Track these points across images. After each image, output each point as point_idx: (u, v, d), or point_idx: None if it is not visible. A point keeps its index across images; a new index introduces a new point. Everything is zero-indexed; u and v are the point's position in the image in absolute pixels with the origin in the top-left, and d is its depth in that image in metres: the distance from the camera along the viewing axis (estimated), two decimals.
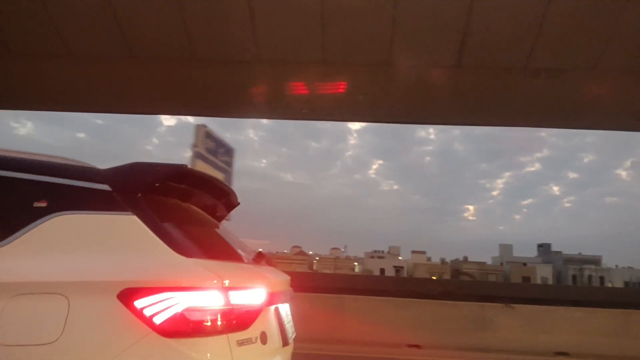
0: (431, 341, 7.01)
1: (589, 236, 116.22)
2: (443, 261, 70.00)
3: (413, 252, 69.20)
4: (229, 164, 10.06)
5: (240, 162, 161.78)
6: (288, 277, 2.49)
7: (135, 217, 1.74)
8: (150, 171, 1.96)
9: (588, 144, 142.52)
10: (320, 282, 20.70)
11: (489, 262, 67.84)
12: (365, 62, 8.58)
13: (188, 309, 1.57)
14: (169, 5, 7.74)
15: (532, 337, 7.19)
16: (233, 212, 2.89)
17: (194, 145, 9.00)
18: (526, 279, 57.95)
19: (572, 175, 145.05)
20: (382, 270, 65.87)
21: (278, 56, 8.59)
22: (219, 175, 9.45)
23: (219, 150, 10.08)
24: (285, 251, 78.35)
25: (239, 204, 2.66)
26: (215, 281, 1.64)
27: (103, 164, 1.98)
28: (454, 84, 8.83)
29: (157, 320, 1.53)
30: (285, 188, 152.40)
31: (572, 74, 8.41)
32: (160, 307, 1.56)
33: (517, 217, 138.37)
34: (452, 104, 9.50)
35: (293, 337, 2.31)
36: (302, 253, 70.07)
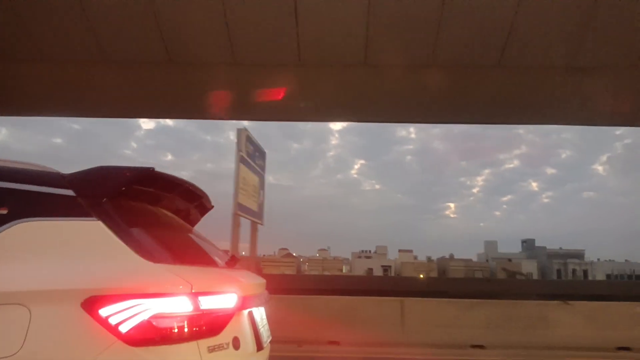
0: (494, 341, 7.06)
1: (568, 231, 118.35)
2: (429, 259, 70.53)
3: (400, 251, 69.62)
4: (263, 167, 10.02)
5: (221, 165, 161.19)
6: (263, 281, 2.46)
7: (100, 223, 1.70)
8: (116, 175, 1.92)
9: (565, 140, 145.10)
10: (339, 284, 20.29)
11: (475, 259, 68.57)
12: (343, 63, 8.64)
13: (155, 316, 1.53)
14: (142, 8, 7.68)
15: (593, 332, 7.22)
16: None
17: (239, 150, 8.93)
18: (512, 275, 58.67)
19: (550, 171, 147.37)
20: (370, 270, 66.09)
21: (254, 59, 8.66)
22: (255, 180, 9.43)
23: (255, 154, 10.04)
24: (272, 254, 78.20)
25: (212, 207, 2.62)
26: (182, 286, 1.60)
27: (80, 169, 1.94)
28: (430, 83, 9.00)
29: (123, 328, 1.49)
30: (267, 189, 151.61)
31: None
32: (126, 314, 1.51)
33: (498, 213, 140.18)
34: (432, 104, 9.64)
35: (269, 340, 2.28)
36: (289, 255, 69.97)
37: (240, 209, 8.67)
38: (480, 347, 7.00)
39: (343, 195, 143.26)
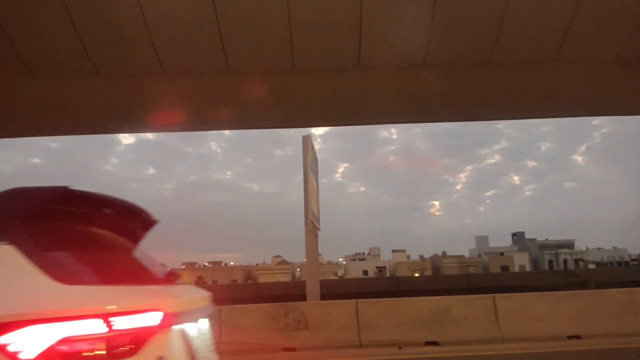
0: (589, 331, 7.18)
1: (552, 222, 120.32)
2: (422, 258, 71.09)
3: (393, 251, 70.04)
4: (317, 172, 10.13)
5: (204, 176, 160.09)
6: (206, 294, 2.43)
7: (11, 247, 1.65)
8: (30, 196, 1.88)
9: (544, 133, 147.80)
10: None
11: (467, 254, 69.32)
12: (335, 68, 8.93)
13: (63, 341, 1.48)
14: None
15: None
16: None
17: (306, 157, 9.08)
18: (505, 268, 59.52)
19: (531, 164, 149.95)
20: (365, 272, 66.33)
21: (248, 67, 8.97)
22: (315, 185, 9.52)
23: (315, 160, 10.19)
24: (265, 262, 77.96)
25: (156, 222, 2.53)
26: (95, 307, 1.57)
27: None
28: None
29: (25, 356, 1.43)
30: (252, 198, 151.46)
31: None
32: (29, 341, 1.45)
33: (482, 208, 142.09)
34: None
35: (210, 355, 2.24)
36: (284, 262, 69.83)
37: (313, 217, 8.90)
38: (577, 337, 7.15)
39: (329, 199, 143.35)
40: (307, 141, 9.36)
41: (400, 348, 7.13)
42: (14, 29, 8.37)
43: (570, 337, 7.19)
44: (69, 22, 8.28)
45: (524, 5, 7.95)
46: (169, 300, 1.89)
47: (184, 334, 1.95)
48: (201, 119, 11.41)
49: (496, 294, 7.72)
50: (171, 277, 2.22)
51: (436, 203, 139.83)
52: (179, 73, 9.33)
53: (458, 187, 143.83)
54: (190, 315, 2.03)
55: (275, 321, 7.61)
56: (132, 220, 2.35)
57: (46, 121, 11.14)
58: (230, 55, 8.83)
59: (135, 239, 2.45)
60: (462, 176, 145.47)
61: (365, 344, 7.35)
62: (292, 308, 7.69)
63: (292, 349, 7.37)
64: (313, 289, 8.90)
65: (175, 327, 1.85)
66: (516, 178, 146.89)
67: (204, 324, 2.24)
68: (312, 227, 8.99)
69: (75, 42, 8.54)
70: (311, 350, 7.31)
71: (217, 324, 7.65)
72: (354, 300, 7.71)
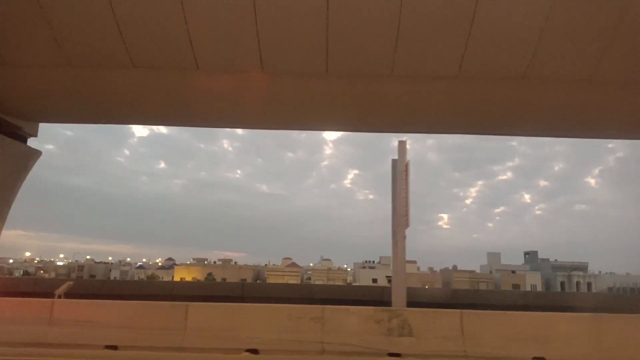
0: None
1: (561, 243, 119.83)
2: (432, 270, 70.85)
3: None
4: (408, 177, 10.13)
5: (214, 173, 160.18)
6: None
7: None
8: None
9: (558, 153, 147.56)
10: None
11: (477, 270, 69.02)
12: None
13: None
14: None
15: None
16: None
17: (401, 161, 9.10)
18: (516, 287, 59.18)
19: (543, 183, 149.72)
20: (375, 280, 66.16)
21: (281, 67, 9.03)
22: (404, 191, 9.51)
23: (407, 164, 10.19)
24: (271, 262, 77.96)
25: None
26: None
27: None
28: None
29: None
30: (261, 199, 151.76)
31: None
32: None
33: (490, 224, 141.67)
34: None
35: None
36: (294, 265, 69.76)
37: (401, 221, 8.92)
38: None
39: (337, 205, 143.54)
40: (402, 146, 9.37)
41: None
42: (57, 19, 8.54)
43: None
44: (111, 15, 8.44)
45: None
46: None
47: None
48: (234, 115, 11.49)
49: (602, 313, 7.67)
50: None
51: (445, 216, 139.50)
52: (214, 69, 9.42)
53: (468, 201, 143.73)
54: None
55: (379, 325, 7.59)
56: None
57: (83, 109, 11.28)
58: (265, 54, 8.93)
59: None
60: (473, 191, 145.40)
61: (471, 355, 7.32)
62: (396, 313, 7.67)
63: (397, 355, 7.34)
64: (399, 296, 8.87)
65: None
66: (527, 196, 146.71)
67: None
68: (401, 231, 8.99)
69: (115, 34, 8.71)
70: (417, 357, 7.28)
71: (320, 323, 7.64)
72: (459, 311, 7.68)
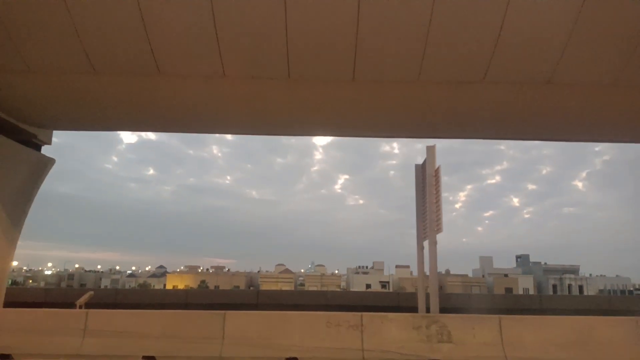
0: None
1: (550, 245, 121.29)
2: (425, 275, 70.94)
3: (397, 266, 69.96)
4: (439, 183, 10.14)
5: (203, 179, 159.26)
6: None
7: None
8: None
9: (546, 156, 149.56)
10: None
11: (470, 274, 69.41)
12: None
13: None
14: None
15: None
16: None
17: (430, 167, 9.10)
18: (509, 290, 59.67)
19: (531, 186, 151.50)
20: (368, 286, 66.15)
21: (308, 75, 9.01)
22: (434, 197, 9.51)
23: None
24: (262, 269, 77.53)
25: None
26: None
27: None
28: None
29: None
30: (250, 204, 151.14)
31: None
32: None
33: (480, 228, 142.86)
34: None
35: None
36: (287, 271, 69.49)
37: (431, 227, 8.95)
38: None
39: (327, 210, 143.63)
40: (431, 151, 9.43)
41: None
42: (83, 27, 8.52)
43: None
44: (140, 23, 8.44)
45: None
46: None
47: None
48: (259, 123, 11.53)
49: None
50: None
51: None
52: (240, 77, 9.45)
53: (457, 205, 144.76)
54: None
55: (417, 332, 7.62)
56: None
57: (104, 116, 11.20)
58: (293, 63, 9.00)
59: None
60: (462, 195, 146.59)
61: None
62: (434, 320, 7.70)
63: None
64: (434, 302, 8.90)
65: None
66: (516, 200, 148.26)
67: None
68: (433, 236, 9.03)
69: (143, 41, 8.71)
70: None
71: (359, 331, 7.63)
72: (497, 316, 7.74)
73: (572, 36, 8.22)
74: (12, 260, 11.73)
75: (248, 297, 18.31)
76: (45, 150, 12.86)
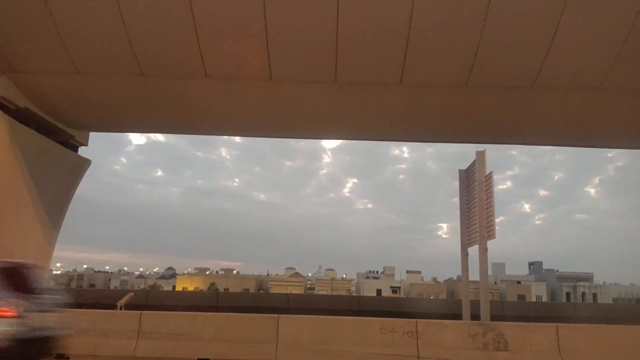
0: None
1: (561, 252, 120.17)
2: (436, 280, 70.68)
3: (408, 272, 69.58)
4: (491, 187, 10.09)
5: (212, 182, 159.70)
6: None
7: None
8: None
9: (558, 162, 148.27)
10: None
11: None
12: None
13: None
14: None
15: None
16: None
17: (480, 172, 9.07)
18: (521, 297, 59.14)
19: (543, 192, 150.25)
20: (379, 291, 65.80)
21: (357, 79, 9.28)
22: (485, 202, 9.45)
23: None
24: (269, 272, 77.47)
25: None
26: None
27: None
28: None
29: None
30: (258, 207, 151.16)
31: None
32: None
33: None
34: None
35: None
36: (297, 275, 69.33)
37: (484, 232, 8.89)
38: None
39: (335, 214, 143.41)
40: (481, 156, 9.37)
41: None
42: (134, 31, 8.58)
43: None
44: (191, 26, 8.49)
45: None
46: None
47: None
48: (308, 126, 11.54)
49: None
50: None
51: (444, 225, 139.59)
52: (286, 80, 9.48)
53: None
54: None
55: (473, 339, 7.54)
56: None
57: (145, 118, 11.25)
58: (341, 67, 9.01)
59: None
60: None
61: None
62: (490, 327, 7.62)
63: None
64: (485, 309, 8.82)
65: None
66: (527, 206, 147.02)
67: None
68: (484, 243, 8.95)
69: (193, 45, 8.75)
70: None
71: (414, 337, 7.56)
72: (554, 324, 7.64)
73: (553, 42, 8.26)
74: (51, 260, 11.78)
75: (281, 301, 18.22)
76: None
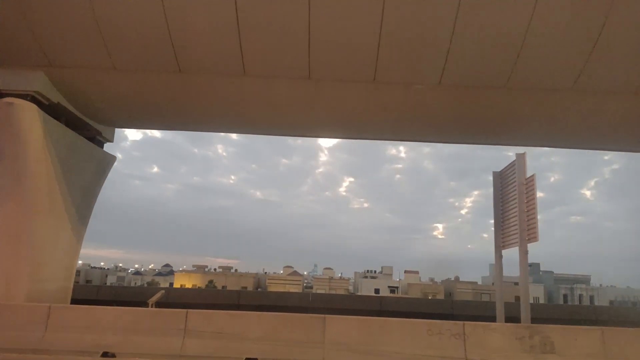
0: None
1: (556, 254, 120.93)
2: (433, 280, 70.93)
3: (406, 271, 69.79)
4: (532, 190, 10.10)
5: (208, 178, 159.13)
6: None
7: None
8: None
9: (554, 164, 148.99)
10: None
11: (479, 281, 69.23)
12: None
13: None
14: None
15: None
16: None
17: (521, 174, 9.09)
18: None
19: (539, 194, 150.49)
20: (377, 291, 65.87)
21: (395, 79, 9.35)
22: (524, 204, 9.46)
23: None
24: (273, 271, 77.42)
25: None
26: None
27: None
28: None
29: None
30: (255, 205, 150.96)
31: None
32: None
33: (486, 235, 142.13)
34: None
35: None
36: (295, 273, 69.32)
37: (524, 234, 8.91)
38: None
39: (331, 212, 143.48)
40: (521, 159, 9.40)
41: None
42: (176, 28, 8.58)
43: None
44: (234, 27, 8.48)
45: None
46: None
47: None
48: (345, 126, 11.54)
49: None
50: None
51: (440, 226, 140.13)
52: (327, 80, 9.52)
53: (463, 211, 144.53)
54: None
55: (520, 342, 7.56)
56: None
57: (178, 115, 11.18)
58: (381, 67, 9.04)
59: None
60: (468, 201, 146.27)
61: None
62: (537, 330, 7.64)
63: None
64: (525, 312, 8.85)
65: None
66: None
67: None
68: (524, 245, 8.98)
69: (235, 43, 8.73)
70: None
71: (461, 339, 7.57)
72: (600, 328, 7.69)
73: (525, 43, 8.38)
74: (78, 256, 11.67)
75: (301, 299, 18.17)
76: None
